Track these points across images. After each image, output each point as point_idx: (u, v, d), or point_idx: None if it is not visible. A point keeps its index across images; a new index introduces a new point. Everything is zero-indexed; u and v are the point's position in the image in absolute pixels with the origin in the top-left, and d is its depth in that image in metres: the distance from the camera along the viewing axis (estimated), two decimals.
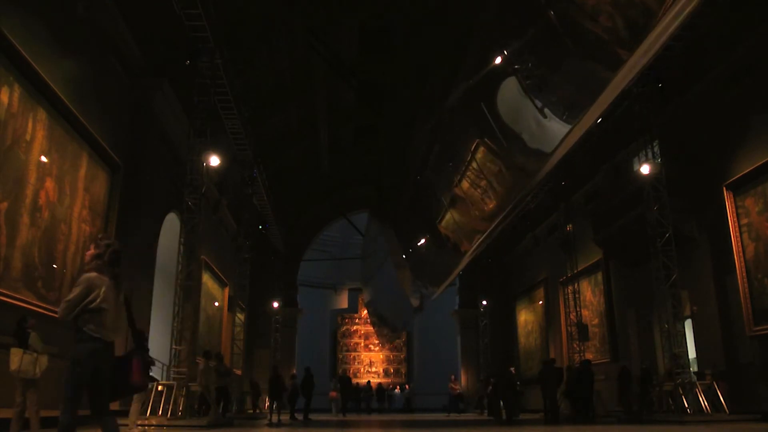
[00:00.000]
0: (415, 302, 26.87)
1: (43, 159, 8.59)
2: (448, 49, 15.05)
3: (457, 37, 13.40)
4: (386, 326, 32.32)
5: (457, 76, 12.44)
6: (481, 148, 12.78)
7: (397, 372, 32.99)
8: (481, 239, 15.34)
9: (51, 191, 8.85)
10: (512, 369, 15.94)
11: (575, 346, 19.25)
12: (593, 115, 8.66)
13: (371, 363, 33.00)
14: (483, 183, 13.25)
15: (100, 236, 4.73)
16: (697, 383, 11.97)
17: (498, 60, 9.96)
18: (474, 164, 13.19)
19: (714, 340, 13.10)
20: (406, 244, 21.08)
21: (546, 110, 9.29)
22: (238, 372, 20.96)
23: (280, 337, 24.46)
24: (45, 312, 8.59)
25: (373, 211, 25.85)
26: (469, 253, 16.76)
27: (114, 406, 10.79)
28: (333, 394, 23.79)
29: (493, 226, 14.34)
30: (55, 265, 9.03)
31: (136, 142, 12.22)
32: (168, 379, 10.94)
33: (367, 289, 30.98)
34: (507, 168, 11.89)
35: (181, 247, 11.51)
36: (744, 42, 11.72)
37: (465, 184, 14.19)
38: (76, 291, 3.76)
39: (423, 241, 19.98)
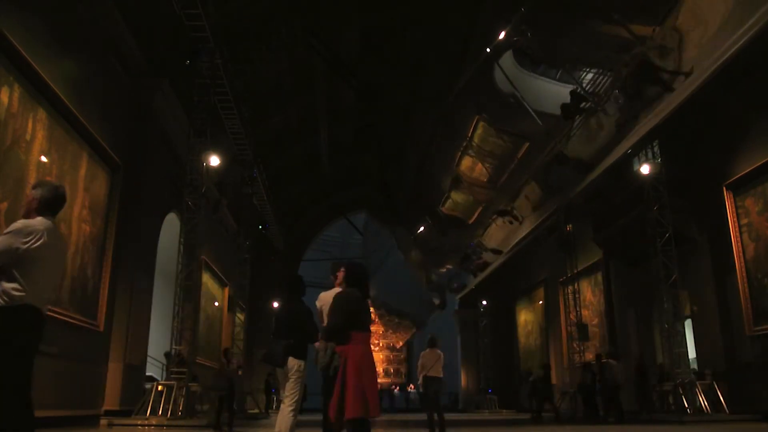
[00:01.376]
0: (436, 301, 26.61)
1: (43, 159, 8.58)
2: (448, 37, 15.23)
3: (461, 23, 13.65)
4: (407, 320, 31.49)
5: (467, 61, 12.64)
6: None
7: (397, 372, 33.00)
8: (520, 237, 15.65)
9: None
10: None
11: (575, 346, 19.25)
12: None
13: None
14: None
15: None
16: (697, 383, 11.98)
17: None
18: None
19: (714, 340, 13.10)
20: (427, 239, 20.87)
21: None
22: (239, 372, 20.93)
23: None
24: None
25: (385, 206, 25.32)
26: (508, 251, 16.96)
27: (114, 405, 10.80)
28: None
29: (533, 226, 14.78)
30: None
31: (136, 142, 12.20)
32: (168, 379, 10.94)
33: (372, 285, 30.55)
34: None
35: (181, 247, 11.51)
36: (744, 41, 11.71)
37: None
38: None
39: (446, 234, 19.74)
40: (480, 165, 15.09)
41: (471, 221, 17.01)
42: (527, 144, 12.90)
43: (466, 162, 15.35)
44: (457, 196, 17.05)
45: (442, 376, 8.63)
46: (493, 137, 13.81)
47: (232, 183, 18.56)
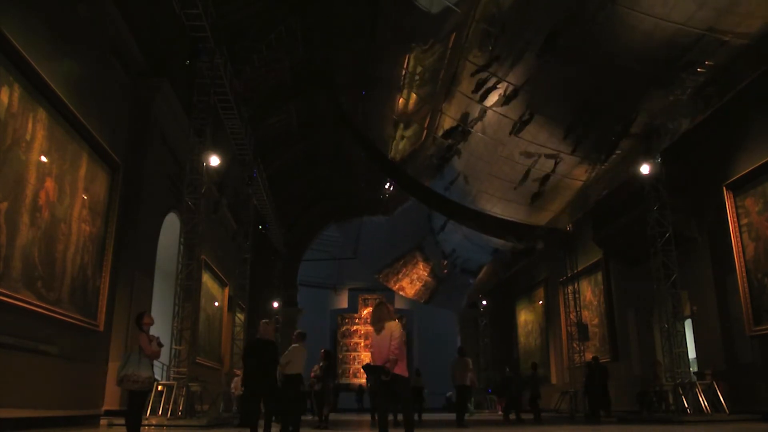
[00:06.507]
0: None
1: (43, 159, 8.58)
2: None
3: None
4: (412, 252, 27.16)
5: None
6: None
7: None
8: None
9: (51, 191, 8.85)
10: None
11: (575, 346, 19.25)
12: None
13: None
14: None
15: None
16: (697, 383, 11.97)
17: None
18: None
19: (714, 340, 13.10)
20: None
21: None
22: (239, 372, 20.91)
23: (280, 337, 24.42)
24: (45, 312, 8.59)
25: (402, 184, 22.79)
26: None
27: (114, 405, 10.79)
28: None
29: None
30: (55, 265, 9.03)
31: (136, 142, 12.20)
32: (168, 379, 10.94)
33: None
34: None
35: (181, 247, 11.50)
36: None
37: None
38: None
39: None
40: (414, 93, 15.06)
41: (424, 137, 16.64)
42: (453, 34, 12.68)
43: (402, 99, 15.35)
44: (404, 132, 16.88)
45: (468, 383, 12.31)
46: (425, 59, 13.76)
47: (232, 183, 18.56)
